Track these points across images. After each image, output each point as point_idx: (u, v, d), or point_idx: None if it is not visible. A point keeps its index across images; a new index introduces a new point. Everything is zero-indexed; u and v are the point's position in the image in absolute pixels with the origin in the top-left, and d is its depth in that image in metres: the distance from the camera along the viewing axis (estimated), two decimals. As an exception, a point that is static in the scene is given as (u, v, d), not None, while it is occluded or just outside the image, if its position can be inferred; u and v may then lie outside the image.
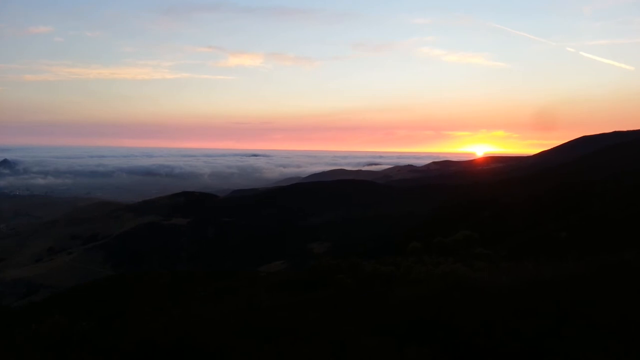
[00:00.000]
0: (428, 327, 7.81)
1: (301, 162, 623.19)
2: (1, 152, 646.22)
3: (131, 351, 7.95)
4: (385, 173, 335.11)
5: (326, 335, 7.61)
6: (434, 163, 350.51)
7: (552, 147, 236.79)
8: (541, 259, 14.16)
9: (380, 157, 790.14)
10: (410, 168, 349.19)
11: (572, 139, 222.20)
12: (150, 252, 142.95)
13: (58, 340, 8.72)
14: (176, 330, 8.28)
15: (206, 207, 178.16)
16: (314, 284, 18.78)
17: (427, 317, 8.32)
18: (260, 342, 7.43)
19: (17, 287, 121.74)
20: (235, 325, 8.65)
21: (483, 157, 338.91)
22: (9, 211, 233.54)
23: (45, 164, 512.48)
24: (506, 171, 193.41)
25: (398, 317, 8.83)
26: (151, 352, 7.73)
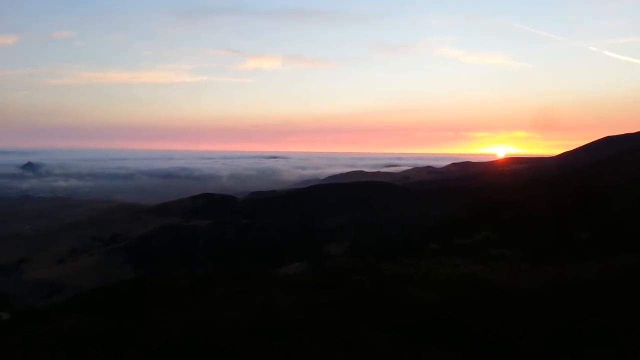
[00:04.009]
0: (439, 326, 7.70)
1: (319, 164, 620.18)
2: (25, 155, 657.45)
3: (146, 351, 7.98)
4: (404, 175, 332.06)
5: (337, 333, 7.55)
6: (454, 164, 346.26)
7: (574, 147, 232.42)
8: (562, 260, 13.92)
9: (399, 158, 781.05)
10: (429, 169, 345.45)
11: (595, 139, 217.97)
12: (170, 254, 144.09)
13: (73, 342, 8.79)
14: (188, 330, 8.29)
15: (226, 209, 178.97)
16: (330, 285, 18.66)
17: (440, 317, 8.20)
18: (270, 340, 7.40)
19: (41, 288, 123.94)
20: (247, 324, 8.63)
21: (504, 158, 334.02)
22: (33, 213, 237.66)
23: (67, 167, 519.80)
24: (528, 172, 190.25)
25: (411, 316, 8.73)
26: (164, 352, 7.74)
